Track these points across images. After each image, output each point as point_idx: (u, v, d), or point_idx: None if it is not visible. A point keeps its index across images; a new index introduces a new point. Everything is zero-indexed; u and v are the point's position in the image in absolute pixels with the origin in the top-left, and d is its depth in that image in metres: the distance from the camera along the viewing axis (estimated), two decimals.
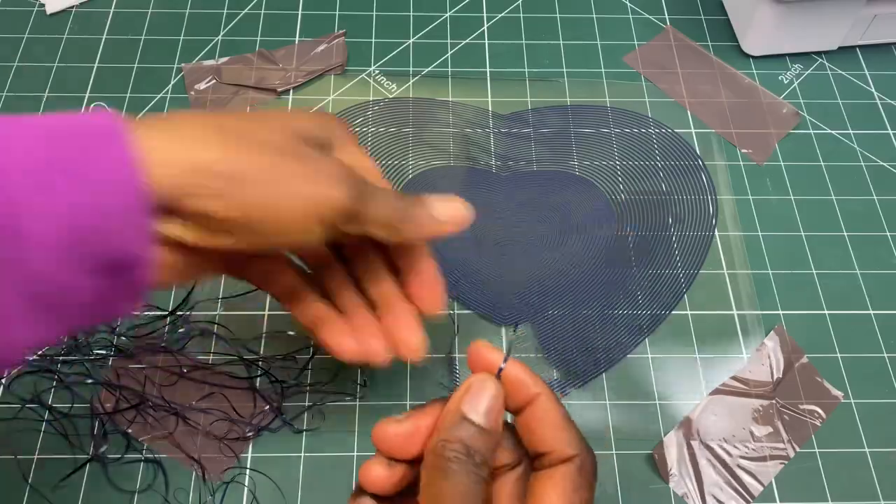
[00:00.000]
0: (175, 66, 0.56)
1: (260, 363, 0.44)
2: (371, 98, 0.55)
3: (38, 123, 0.25)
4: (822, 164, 0.53)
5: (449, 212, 0.33)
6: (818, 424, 0.43)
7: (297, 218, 0.28)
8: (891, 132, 0.55)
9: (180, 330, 0.45)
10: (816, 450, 0.42)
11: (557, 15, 0.61)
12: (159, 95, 0.55)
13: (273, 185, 0.28)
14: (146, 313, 0.45)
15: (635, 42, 0.59)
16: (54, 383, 0.43)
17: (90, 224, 0.25)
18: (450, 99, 0.55)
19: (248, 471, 0.41)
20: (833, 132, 0.55)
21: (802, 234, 0.50)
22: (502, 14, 0.61)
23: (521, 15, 0.61)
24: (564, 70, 0.57)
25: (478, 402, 0.27)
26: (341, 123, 0.34)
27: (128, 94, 0.55)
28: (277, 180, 0.28)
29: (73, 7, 0.59)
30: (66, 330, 0.27)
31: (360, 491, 0.29)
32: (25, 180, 0.24)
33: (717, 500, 0.40)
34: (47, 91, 0.55)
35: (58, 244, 0.24)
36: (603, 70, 0.57)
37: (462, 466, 0.26)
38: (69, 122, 0.25)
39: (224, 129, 0.28)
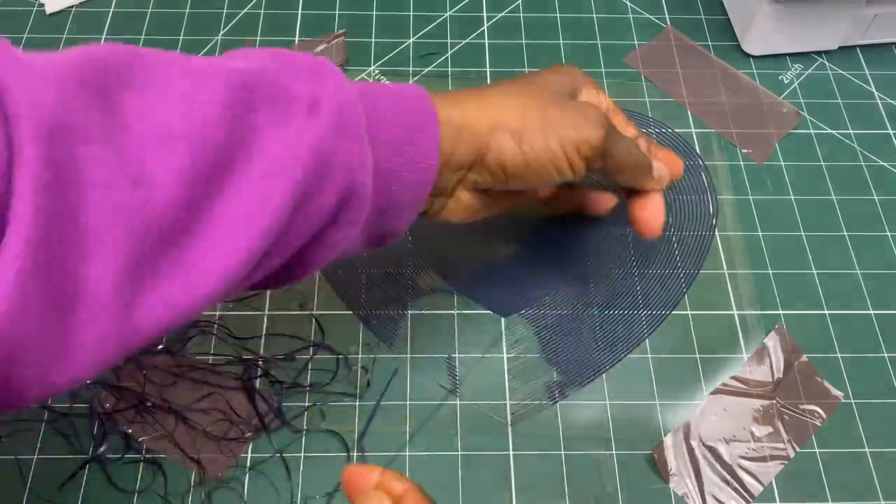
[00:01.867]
0: None
1: (260, 363, 0.44)
2: None
3: (392, 105, 0.33)
4: (822, 164, 0.53)
5: (667, 172, 0.41)
6: (818, 424, 0.43)
7: (565, 156, 0.35)
8: (891, 132, 0.55)
9: (180, 329, 0.45)
10: (816, 450, 0.42)
11: (557, 15, 0.61)
12: None
13: (546, 131, 0.35)
14: None
15: (635, 42, 0.59)
16: None
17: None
18: None
19: (247, 471, 0.41)
20: (833, 132, 0.55)
21: (802, 234, 0.50)
22: (502, 14, 0.61)
23: (521, 15, 0.61)
24: None
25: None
26: (579, 71, 0.40)
27: None
28: (550, 127, 0.35)
29: (72, 7, 0.59)
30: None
31: None
32: (387, 154, 0.32)
33: (717, 500, 0.40)
34: None
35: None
36: (603, 70, 0.57)
37: None
38: (409, 106, 0.33)
39: (509, 96, 0.36)
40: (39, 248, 0.22)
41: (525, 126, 0.35)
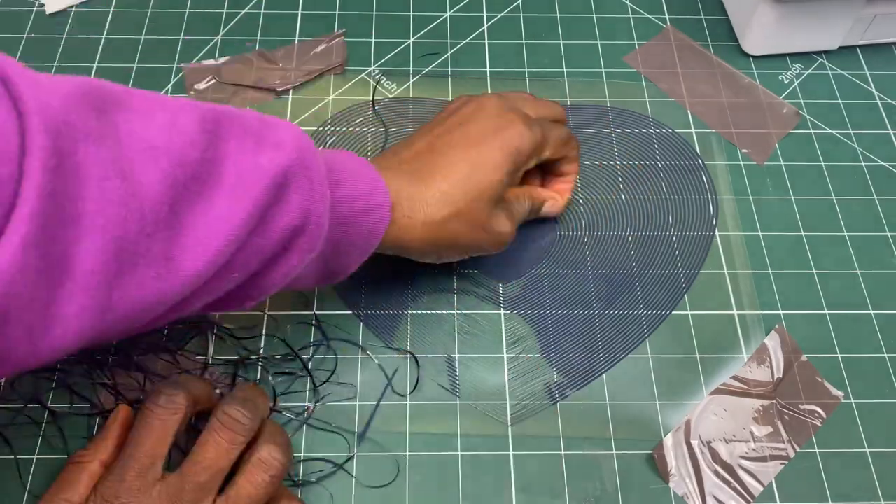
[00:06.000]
0: (175, 66, 0.56)
1: (259, 363, 0.44)
2: (371, 98, 0.55)
3: (354, 194, 0.37)
4: (822, 164, 0.53)
5: (553, 210, 0.48)
6: (818, 424, 0.43)
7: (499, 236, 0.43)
8: (891, 132, 0.55)
9: (179, 330, 0.45)
10: (816, 450, 0.42)
11: (557, 15, 0.61)
12: None
13: (485, 229, 0.42)
14: None
15: (635, 42, 0.59)
16: (54, 384, 0.43)
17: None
18: (450, 99, 0.55)
19: None
20: (833, 132, 0.55)
21: (802, 234, 0.50)
22: (502, 14, 0.61)
23: (521, 15, 0.61)
24: (564, 70, 0.57)
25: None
26: (531, 140, 0.43)
27: None
28: (487, 227, 0.42)
29: (72, 7, 0.59)
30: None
31: None
32: (344, 201, 0.37)
33: (717, 500, 0.40)
34: None
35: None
36: (603, 70, 0.57)
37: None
38: (367, 198, 0.38)
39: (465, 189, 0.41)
40: (42, 222, 0.26)
41: (447, 247, 0.42)
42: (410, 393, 0.43)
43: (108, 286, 0.28)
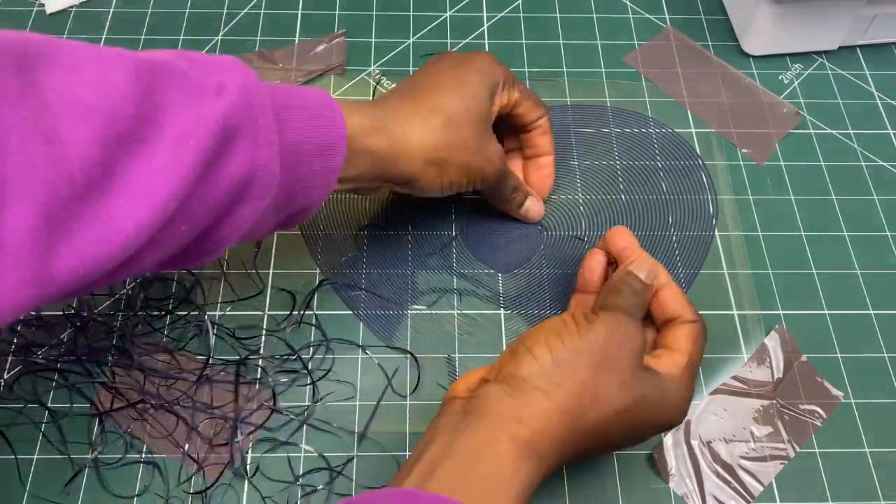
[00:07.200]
0: None
1: (260, 363, 0.44)
2: (371, 98, 0.55)
3: (303, 106, 0.37)
4: (822, 164, 0.53)
5: (534, 209, 0.49)
6: (818, 424, 0.43)
7: (470, 184, 0.44)
8: (891, 132, 0.55)
9: (179, 330, 0.45)
10: (816, 450, 0.42)
11: (557, 15, 0.61)
12: None
13: (463, 172, 0.43)
14: (147, 313, 0.45)
15: (635, 42, 0.59)
16: (54, 383, 0.43)
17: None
18: None
19: (247, 471, 0.41)
20: (833, 132, 0.55)
21: (802, 234, 0.50)
22: (502, 14, 0.61)
23: (521, 15, 0.61)
24: (564, 70, 0.57)
25: (642, 267, 0.40)
26: (494, 65, 0.45)
27: None
28: (465, 168, 0.43)
29: (73, 7, 0.59)
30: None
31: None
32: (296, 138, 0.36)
33: (717, 500, 0.40)
34: None
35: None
36: (603, 70, 0.57)
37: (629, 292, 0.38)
38: (322, 111, 0.37)
39: (437, 133, 0.41)
40: None
41: (448, 164, 0.42)
42: (410, 393, 0.43)
43: (42, 256, 0.27)
